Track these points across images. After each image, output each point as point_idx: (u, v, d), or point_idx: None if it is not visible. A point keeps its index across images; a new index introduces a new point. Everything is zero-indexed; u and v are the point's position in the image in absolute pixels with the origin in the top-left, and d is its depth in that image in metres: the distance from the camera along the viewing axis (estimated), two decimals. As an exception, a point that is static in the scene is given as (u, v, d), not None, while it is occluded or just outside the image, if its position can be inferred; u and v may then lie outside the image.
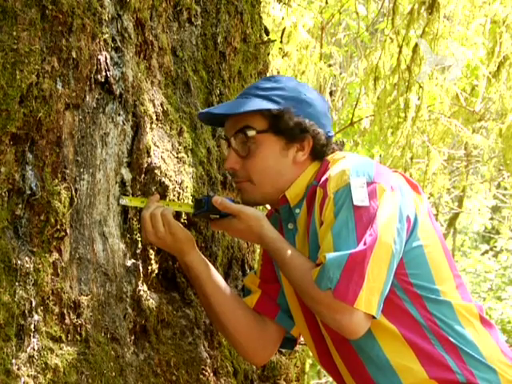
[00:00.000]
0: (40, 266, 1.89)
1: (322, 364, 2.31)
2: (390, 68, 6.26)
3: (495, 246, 14.75)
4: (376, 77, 6.28)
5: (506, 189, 11.88)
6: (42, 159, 1.94)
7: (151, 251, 2.27)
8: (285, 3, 6.13)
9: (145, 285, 2.23)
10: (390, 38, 6.10)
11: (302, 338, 2.39)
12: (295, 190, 2.18)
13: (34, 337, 1.85)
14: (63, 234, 1.96)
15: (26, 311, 1.84)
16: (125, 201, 2.17)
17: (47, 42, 1.96)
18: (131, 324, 2.15)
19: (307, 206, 2.17)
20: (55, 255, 1.94)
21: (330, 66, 7.75)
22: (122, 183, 2.19)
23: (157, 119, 2.32)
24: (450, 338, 2.04)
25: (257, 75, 3.07)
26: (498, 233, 14.42)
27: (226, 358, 2.50)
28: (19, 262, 1.85)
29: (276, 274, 2.32)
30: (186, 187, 2.38)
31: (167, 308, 2.30)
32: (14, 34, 1.89)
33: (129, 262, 2.17)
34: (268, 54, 3.26)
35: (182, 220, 2.35)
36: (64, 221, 1.96)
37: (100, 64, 2.08)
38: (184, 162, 2.40)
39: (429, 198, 8.13)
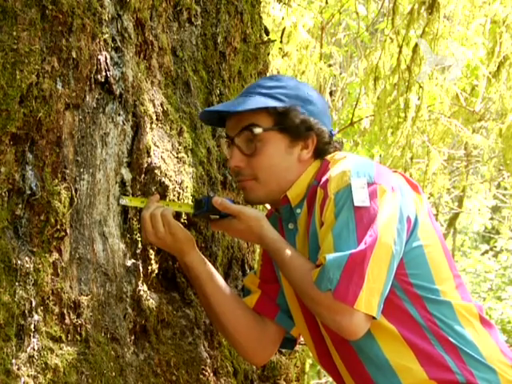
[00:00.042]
0: (40, 265, 1.89)
1: (322, 364, 2.31)
2: (390, 68, 6.26)
3: (495, 246, 14.75)
4: (376, 77, 6.28)
5: (506, 189, 11.88)
6: (42, 159, 1.94)
7: (151, 251, 2.27)
8: (285, 3, 6.13)
9: (145, 285, 2.23)
10: (390, 38, 6.10)
11: (301, 338, 2.39)
12: (296, 190, 2.18)
13: (33, 337, 1.85)
14: (63, 233, 1.96)
15: (26, 311, 1.84)
16: (125, 201, 2.17)
17: (47, 42, 1.96)
18: (131, 324, 2.15)
19: (308, 206, 2.17)
20: (55, 255, 1.94)
21: (330, 65, 7.75)
22: (122, 183, 2.19)
23: (157, 119, 2.32)
24: (450, 338, 2.04)
25: (257, 75, 3.07)
26: (498, 233, 14.42)
27: (225, 357, 2.50)
28: (19, 261, 1.85)
29: (276, 274, 2.31)
30: (186, 187, 2.38)
31: (167, 308, 2.30)
32: (14, 33, 1.89)
33: (129, 262, 2.17)
34: (268, 54, 3.26)
35: (182, 220, 2.35)
36: (64, 221, 1.96)
37: (100, 64, 2.08)
38: (184, 162, 2.40)
39: (429, 198, 8.13)
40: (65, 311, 1.94)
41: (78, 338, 1.96)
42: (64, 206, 1.96)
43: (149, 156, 2.24)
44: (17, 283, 1.84)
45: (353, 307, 1.94)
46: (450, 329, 2.04)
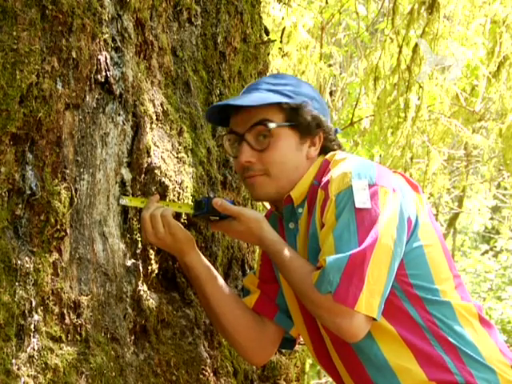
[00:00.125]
0: (40, 265, 1.89)
1: (321, 364, 2.31)
2: (390, 68, 6.27)
3: (495, 246, 14.76)
4: (376, 77, 6.28)
5: (506, 189, 11.89)
6: (42, 159, 1.94)
7: (151, 251, 2.27)
8: (285, 3, 6.13)
9: (145, 285, 2.23)
10: (390, 38, 6.11)
11: (301, 338, 2.39)
12: (300, 189, 2.17)
13: (34, 337, 1.85)
14: (63, 233, 1.96)
15: (26, 311, 1.84)
16: (125, 201, 2.17)
17: (47, 42, 1.96)
18: (131, 324, 2.15)
19: (308, 206, 2.16)
20: (55, 255, 1.94)
21: (330, 65, 7.76)
22: (122, 183, 2.19)
23: (157, 119, 2.32)
24: (450, 339, 2.03)
25: (257, 75, 3.07)
26: (498, 233, 14.42)
27: (226, 357, 2.50)
28: (19, 261, 1.85)
29: (275, 274, 2.31)
30: (186, 187, 2.38)
31: (167, 308, 2.30)
32: (14, 33, 1.89)
33: (129, 262, 2.17)
34: (268, 54, 3.27)
35: (182, 220, 2.35)
36: (64, 221, 1.96)
37: (100, 64, 2.08)
38: (184, 162, 2.40)
39: (429, 198, 8.14)
40: (65, 311, 1.94)
41: (78, 338, 1.96)
42: (64, 206, 1.96)
43: (149, 156, 2.24)
44: (17, 283, 1.84)
45: (353, 309, 1.94)
46: (449, 329, 2.04)
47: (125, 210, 2.19)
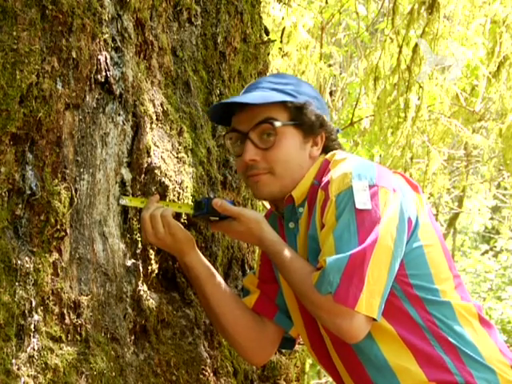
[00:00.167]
0: (40, 265, 1.89)
1: (321, 364, 2.31)
2: (390, 68, 6.27)
3: (495, 246, 14.76)
4: (376, 77, 6.28)
5: (506, 189, 11.88)
6: (42, 159, 1.94)
7: (151, 251, 2.27)
8: (285, 3, 6.13)
9: (145, 285, 2.23)
10: (390, 38, 6.11)
11: (301, 338, 2.39)
12: (301, 189, 2.17)
13: (34, 337, 1.85)
14: (63, 233, 1.96)
15: (26, 311, 1.84)
16: (125, 201, 2.17)
17: (47, 42, 1.96)
18: (131, 324, 2.15)
19: (308, 206, 2.16)
20: (55, 255, 1.94)
21: (330, 65, 7.75)
22: (122, 183, 2.19)
23: (157, 119, 2.32)
24: (450, 339, 2.03)
25: (257, 75, 3.07)
26: (498, 233, 14.42)
27: (226, 357, 2.50)
28: (19, 261, 1.85)
29: (274, 274, 2.31)
30: (186, 187, 2.38)
31: (167, 308, 2.30)
32: (14, 33, 1.89)
33: (129, 262, 2.17)
34: (268, 54, 3.26)
35: (182, 220, 2.35)
36: (64, 221, 1.96)
37: (100, 64, 2.08)
38: (184, 162, 2.40)
39: (429, 198, 8.14)
40: (65, 311, 1.94)
41: (78, 338, 1.96)
42: (64, 206, 1.96)
43: (149, 156, 2.24)
44: (17, 283, 1.84)
45: (353, 309, 1.94)
46: (449, 329, 2.04)
47: (125, 210, 2.19)
